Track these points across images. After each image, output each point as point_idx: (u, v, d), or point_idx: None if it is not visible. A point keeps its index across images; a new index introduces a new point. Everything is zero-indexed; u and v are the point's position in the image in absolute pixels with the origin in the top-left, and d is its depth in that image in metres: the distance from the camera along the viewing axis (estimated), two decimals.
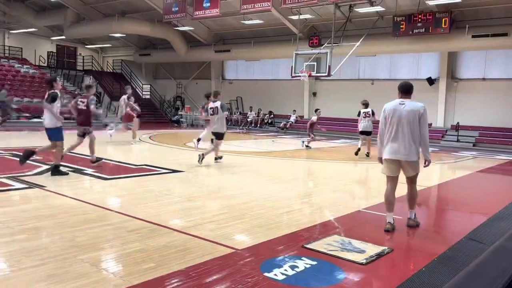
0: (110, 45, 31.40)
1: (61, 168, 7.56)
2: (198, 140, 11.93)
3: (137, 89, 30.62)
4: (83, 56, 31.53)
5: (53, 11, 26.07)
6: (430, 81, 19.68)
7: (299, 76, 17.60)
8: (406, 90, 5.00)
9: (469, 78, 19.62)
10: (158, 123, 25.56)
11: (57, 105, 7.33)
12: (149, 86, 30.39)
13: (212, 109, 9.65)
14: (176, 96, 30.38)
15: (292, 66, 18.14)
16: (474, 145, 18.23)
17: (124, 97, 14.02)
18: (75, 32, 26.21)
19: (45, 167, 8.09)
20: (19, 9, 26.06)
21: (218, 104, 9.56)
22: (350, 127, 21.53)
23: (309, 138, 14.39)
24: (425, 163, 5.03)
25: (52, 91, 7.35)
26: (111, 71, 31.58)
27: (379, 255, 4.02)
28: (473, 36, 17.13)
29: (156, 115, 28.39)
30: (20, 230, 4.23)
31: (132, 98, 14.16)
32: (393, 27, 17.89)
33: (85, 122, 8.64)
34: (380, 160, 5.15)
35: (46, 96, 7.38)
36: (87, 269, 3.36)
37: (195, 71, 29.26)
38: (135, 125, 14.08)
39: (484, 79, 19.25)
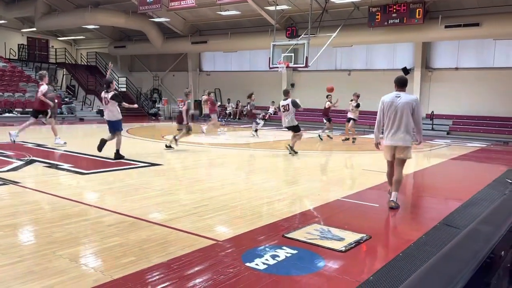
0: (84, 37, 30.71)
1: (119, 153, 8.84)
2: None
3: (112, 70, 30.07)
4: (56, 49, 30.72)
5: (23, 2, 25.30)
6: (405, 71, 19.86)
7: (277, 67, 17.62)
8: (402, 83, 5.59)
9: (442, 68, 20.04)
10: (135, 116, 25.19)
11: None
12: (125, 79, 29.88)
13: (283, 107, 10.47)
14: (153, 88, 30.01)
15: (269, 57, 18.14)
16: (448, 133, 18.69)
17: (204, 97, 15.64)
18: (47, 24, 25.50)
19: (19, 163, 7.91)
20: None
21: (289, 101, 10.35)
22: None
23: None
24: (418, 142, 5.84)
25: (113, 92, 9.00)
26: (85, 63, 30.91)
27: (358, 242, 4.11)
28: (446, 27, 17.47)
29: (133, 108, 27.93)
30: None
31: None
32: (368, 18, 18.07)
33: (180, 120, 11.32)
34: (377, 145, 5.92)
35: (111, 96, 9.00)
36: (66, 264, 3.32)
37: (172, 63, 28.93)
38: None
39: (457, 68, 19.69)
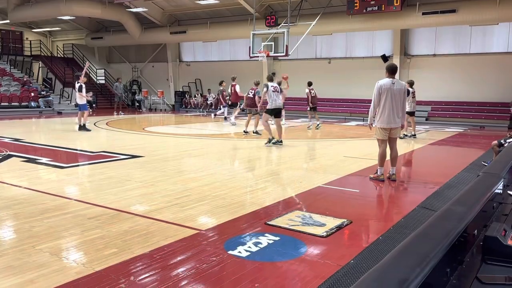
0: (59, 28, 29.96)
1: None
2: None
3: (90, 74, 29.55)
4: (30, 41, 29.91)
5: None
6: (384, 58, 20.13)
7: (257, 56, 17.56)
8: (394, 70, 6.22)
9: (420, 55, 20.28)
10: (115, 109, 24.83)
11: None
12: (103, 70, 29.34)
13: (274, 88, 10.69)
14: (132, 80, 29.56)
15: (250, 47, 18.05)
16: (426, 119, 19.00)
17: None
18: (20, 15, 24.75)
19: None
20: None
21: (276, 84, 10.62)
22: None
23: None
24: (402, 127, 6.56)
25: (80, 84, 12.70)
26: (62, 56, 30.23)
27: (339, 227, 4.18)
28: (424, 13, 17.64)
29: (112, 101, 27.56)
30: None
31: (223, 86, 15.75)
32: (347, 6, 18.11)
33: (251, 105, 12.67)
34: (370, 126, 6.45)
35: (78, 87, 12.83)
36: (46, 258, 3.29)
37: (151, 54, 28.51)
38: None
39: (434, 55, 19.96)
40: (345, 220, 4.37)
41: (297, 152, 9.70)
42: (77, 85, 13.12)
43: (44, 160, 7.74)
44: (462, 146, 11.84)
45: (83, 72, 13.57)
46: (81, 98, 12.99)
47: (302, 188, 5.96)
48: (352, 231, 4.16)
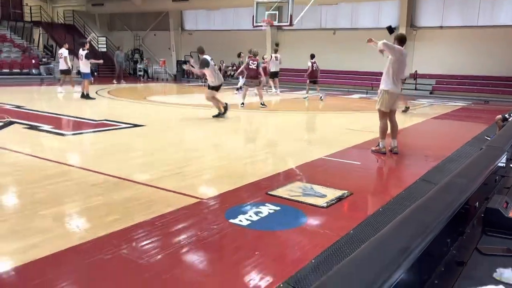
0: None
1: None
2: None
3: (92, 42, 29.16)
4: (31, 6, 29.37)
5: None
6: (390, 29, 19.62)
7: (261, 25, 17.26)
8: (404, 40, 6.37)
9: (427, 27, 19.90)
10: (116, 77, 24.65)
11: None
12: (104, 38, 28.96)
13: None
14: (134, 48, 29.21)
15: (253, 16, 17.71)
16: (431, 93, 18.83)
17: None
18: None
19: None
20: None
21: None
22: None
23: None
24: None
25: (86, 51, 12.84)
26: (62, 22, 29.76)
27: (340, 199, 4.19)
28: None
29: (114, 69, 27.32)
30: None
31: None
32: None
33: (256, 76, 12.13)
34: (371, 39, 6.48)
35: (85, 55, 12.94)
36: (49, 224, 3.32)
37: (153, 22, 28.06)
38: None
39: (441, 27, 19.58)
40: (346, 191, 4.39)
41: (299, 124, 9.67)
42: (83, 52, 12.96)
43: (46, 127, 7.74)
44: (465, 120, 11.78)
45: (87, 43, 13.58)
46: (86, 66, 12.88)
47: (304, 159, 5.96)
48: (352, 203, 4.18)
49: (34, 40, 27.15)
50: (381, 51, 6.30)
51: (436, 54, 19.52)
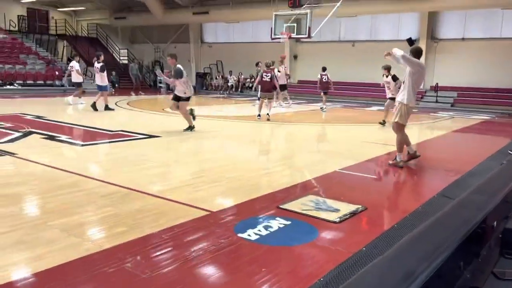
0: (84, 8, 30.12)
1: None
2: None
3: (113, 54, 29.78)
4: (56, 20, 30.23)
5: None
6: (410, 41, 19.43)
7: (279, 38, 17.29)
8: (420, 54, 6.17)
9: (448, 39, 19.61)
10: (137, 89, 25.02)
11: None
12: (126, 51, 29.54)
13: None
14: (154, 60, 29.68)
15: (271, 28, 17.77)
16: (452, 106, 18.47)
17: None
18: None
19: (17, 134, 7.87)
20: None
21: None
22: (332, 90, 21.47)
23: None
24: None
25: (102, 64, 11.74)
26: (86, 35, 30.49)
27: (353, 213, 4.06)
28: None
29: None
30: None
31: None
32: None
33: (270, 89, 11.87)
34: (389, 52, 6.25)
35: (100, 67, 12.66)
36: (57, 234, 3.30)
37: (173, 35, 28.49)
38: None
39: (463, 39, 19.27)
40: (360, 206, 4.25)
41: (315, 136, 9.55)
42: (98, 65, 12.88)
43: (63, 137, 7.84)
44: (488, 134, 11.46)
45: (102, 54, 13.55)
46: (102, 78, 12.83)
47: (318, 172, 5.85)
48: (366, 218, 4.05)
49: (58, 52, 27.86)
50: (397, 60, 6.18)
51: (457, 66, 19.18)
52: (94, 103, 12.52)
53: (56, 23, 30.01)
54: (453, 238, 1.48)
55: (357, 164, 6.42)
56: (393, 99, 10.77)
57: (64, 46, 28.51)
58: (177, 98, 8.91)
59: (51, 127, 9.19)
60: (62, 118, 10.72)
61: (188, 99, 9.03)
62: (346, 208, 4.21)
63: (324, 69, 15.58)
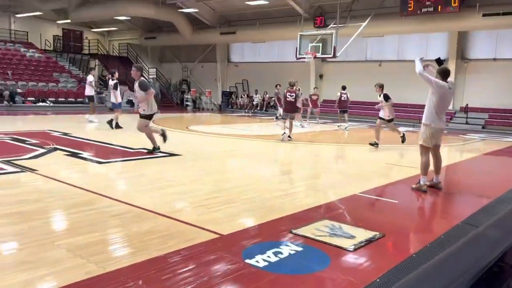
0: (116, 28, 31.15)
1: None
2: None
3: (143, 73, 30.45)
4: (89, 40, 31.36)
5: None
6: (439, 61, 19.07)
7: (304, 57, 17.29)
8: (447, 74, 5.99)
9: (479, 59, 19.10)
10: (164, 107, 25.44)
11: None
12: (155, 69, 30.20)
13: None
14: (182, 79, 30.20)
15: (296, 48, 17.80)
16: (483, 128, 17.85)
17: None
18: (80, 15, 25.97)
19: (42, 150, 8.03)
20: None
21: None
22: (358, 109, 21.23)
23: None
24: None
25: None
26: (117, 55, 31.42)
27: (370, 241, 3.87)
28: (484, 15, 16.57)
29: (162, 99, 28.26)
30: (2, 215, 4.15)
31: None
32: (400, 6, 17.39)
33: (294, 109, 11.54)
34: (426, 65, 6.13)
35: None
36: (62, 255, 3.26)
37: (201, 54, 28.97)
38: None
39: (495, 59, 18.72)
40: (377, 233, 4.05)
41: (337, 157, 9.36)
42: (112, 83, 12.88)
43: (85, 154, 7.94)
44: None
45: (116, 72, 13.43)
46: (116, 96, 12.83)
47: (337, 195, 5.67)
48: (383, 246, 3.84)
49: (88, 71, 28.72)
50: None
51: (489, 86, 18.61)
52: (117, 123, 12.44)
53: (89, 43, 31.12)
54: (461, 281, 1.32)
55: (379, 187, 6.20)
56: (391, 120, 10.49)
57: (95, 65, 29.42)
58: (140, 115, 8.27)
59: (75, 144, 9.36)
60: (87, 135, 10.93)
61: (148, 116, 8.22)
62: (362, 234, 4.02)
63: (344, 87, 15.66)
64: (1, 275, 2.87)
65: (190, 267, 3.16)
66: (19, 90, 20.89)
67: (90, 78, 14.31)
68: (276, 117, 16.87)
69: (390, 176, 6.98)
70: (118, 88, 13.05)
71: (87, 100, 15.17)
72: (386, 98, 10.19)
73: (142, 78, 8.16)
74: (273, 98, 24.27)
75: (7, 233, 3.69)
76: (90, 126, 13.55)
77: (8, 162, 6.68)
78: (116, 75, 13.24)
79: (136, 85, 8.02)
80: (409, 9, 17.19)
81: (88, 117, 14.33)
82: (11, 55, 24.28)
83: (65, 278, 2.86)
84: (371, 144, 10.37)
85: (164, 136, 8.43)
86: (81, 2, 25.43)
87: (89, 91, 14.29)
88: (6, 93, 19.78)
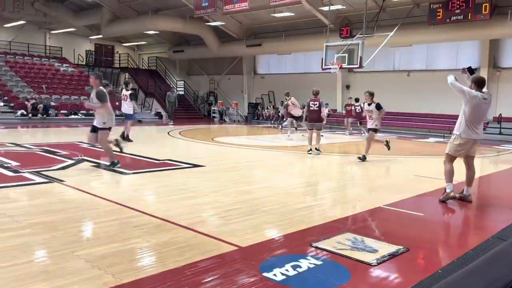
0: (145, 42, 31.92)
1: None
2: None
3: (171, 86, 31.05)
4: (120, 54, 32.25)
5: (91, 11, 26.74)
6: (470, 70, 18.62)
7: (330, 68, 17.18)
8: (482, 83, 5.82)
9: None
10: (191, 119, 25.82)
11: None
12: (183, 82, 30.72)
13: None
14: (209, 91, 30.55)
15: (322, 59, 17.72)
16: None
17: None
18: (112, 30, 26.77)
19: (70, 161, 8.23)
20: (58, 10, 26.86)
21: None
22: (386, 120, 20.84)
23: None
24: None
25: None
26: (146, 68, 32.15)
27: (393, 255, 3.74)
28: None
29: (190, 111, 28.69)
30: (27, 224, 4.24)
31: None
32: (429, 15, 17.07)
33: (318, 119, 10.92)
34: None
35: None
36: (81, 265, 3.29)
37: (228, 67, 29.26)
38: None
39: None
40: (401, 247, 3.91)
41: (362, 168, 9.16)
42: (127, 93, 12.30)
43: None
44: None
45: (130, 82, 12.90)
46: (130, 106, 12.29)
47: (361, 207, 5.53)
48: (407, 261, 3.70)
49: (120, 84, 29.52)
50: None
51: None
52: (127, 135, 11.97)
53: (120, 57, 32.00)
54: None
55: (405, 199, 6.01)
56: (374, 130, 9.82)
57: (125, 78, 30.15)
58: (94, 129, 7.63)
59: (102, 155, 9.54)
60: (114, 147, 11.11)
61: (109, 129, 7.72)
62: (385, 248, 3.89)
63: (357, 100, 16.43)
64: (22, 285, 2.92)
65: (207, 280, 3.13)
66: (52, 103, 21.61)
67: (133, 94, 13.43)
68: (279, 124, 17.04)
69: (417, 188, 6.76)
70: (132, 99, 12.50)
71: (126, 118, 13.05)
72: (379, 107, 9.60)
73: (100, 87, 7.53)
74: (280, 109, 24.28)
75: (31, 242, 3.76)
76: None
77: (37, 173, 6.87)
78: (130, 85, 12.75)
79: (93, 94, 7.51)
80: (438, 17, 16.84)
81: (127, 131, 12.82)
82: (46, 69, 25.22)
83: None
84: (359, 158, 9.71)
85: (119, 145, 8.21)
86: (112, 18, 26.25)
87: (129, 109, 12.72)
88: (41, 106, 20.50)
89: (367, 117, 10.04)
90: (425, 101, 20.02)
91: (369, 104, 9.80)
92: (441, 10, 16.69)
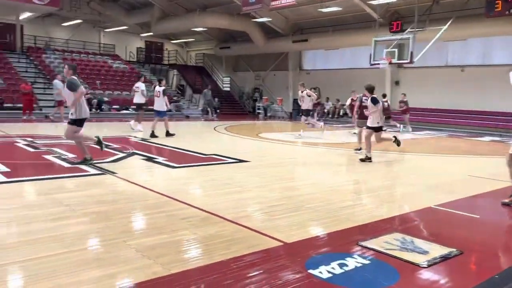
0: (193, 39, 32.52)
1: None
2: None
3: (217, 82, 31.49)
4: (169, 51, 33.08)
5: (142, 9, 27.60)
6: None
7: (378, 63, 16.73)
8: None
9: None
10: (237, 115, 26.08)
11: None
12: (229, 78, 31.06)
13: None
14: (254, 87, 30.69)
15: (371, 54, 17.29)
16: None
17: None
18: (161, 28, 27.50)
19: (121, 155, 8.55)
20: (112, 8, 27.95)
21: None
22: (437, 117, 20.10)
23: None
24: None
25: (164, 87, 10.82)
26: (194, 64, 32.76)
27: (445, 258, 3.59)
28: None
29: (235, 107, 28.99)
30: (82, 214, 4.45)
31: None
32: (486, 7, 16.17)
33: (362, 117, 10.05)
34: None
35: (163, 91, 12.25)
36: (132, 255, 3.41)
37: (273, 63, 29.23)
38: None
39: None
40: (454, 249, 3.75)
41: (413, 167, 8.87)
42: (160, 89, 12.18)
43: (160, 159, 8.31)
44: None
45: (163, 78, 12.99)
46: (163, 103, 12.25)
47: (410, 207, 5.36)
48: (460, 264, 3.54)
49: (168, 80, 30.31)
50: None
51: None
52: (167, 131, 12.24)
53: (168, 53, 32.84)
54: None
55: (458, 200, 5.75)
56: (376, 128, 8.96)
57: (174, 75, 30.92)
58: (69, 121, 7.22)
59: (151, 149, 9.85)
60: (164, 141, 11.43)
61: (77, 122, 7.11)
62: (437, 250, 3.74)
63: (384, 95, 16.22)
64: (77, 270, 3.06)
65: (252, 274, 3.14)
66: (105, 99, 22.53)
67: (142, 86, 13.79)
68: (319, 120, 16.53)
69: (472, 188, 6.45)
70: (166, 95, 12.51)
71: (135, 108, 14.50)
72: (374, 101, 8.76)
73: (72, 77, 7.10)
74: (344, 106, 23.84)
75: (83, 231, 3.94)
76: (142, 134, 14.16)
77: (91, 165, 7.18)
78: (164, 82, 12.78)
79: (64, 85, 7.18)
80: (496, 9, 15.90)
81: (132, 124, 13.89)
82: (100, 66, 26.31)
83: (133, 277, 2.99)
84: (363, 160, 8.94)
85: (100, 144, 7.68)
86: (162, 16, 26.94)
87: (140, 99, 13.77)
88: (95, 101, 21.43)
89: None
90: (480, 98, 19.06)
91: (366, 100, 9.26)
92: (500, 1, 15.74)
